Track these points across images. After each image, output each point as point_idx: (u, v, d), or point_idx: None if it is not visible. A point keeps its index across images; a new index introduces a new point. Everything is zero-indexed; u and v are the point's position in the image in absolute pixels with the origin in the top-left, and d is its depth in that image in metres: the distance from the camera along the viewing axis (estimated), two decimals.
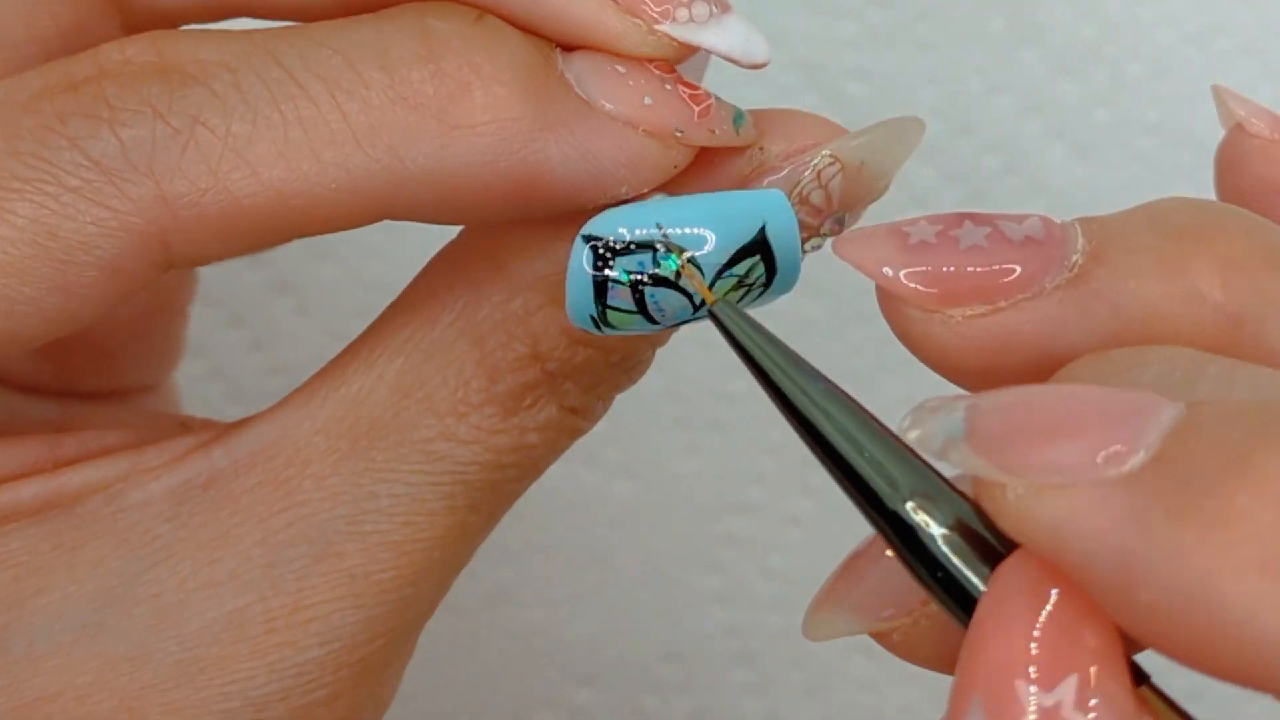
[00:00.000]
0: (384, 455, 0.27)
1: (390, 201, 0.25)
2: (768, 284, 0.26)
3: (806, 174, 0.27)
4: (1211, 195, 0.46)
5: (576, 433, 0.28)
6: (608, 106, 0.26)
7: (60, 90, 0.25)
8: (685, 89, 0.26)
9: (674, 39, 0.26)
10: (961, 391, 0.24)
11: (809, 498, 0.49)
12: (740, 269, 0.26)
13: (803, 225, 0.27)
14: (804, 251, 0.27)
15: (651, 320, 0.26)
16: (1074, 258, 0.24)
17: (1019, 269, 0.24)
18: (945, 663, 0.22)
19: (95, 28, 0.27)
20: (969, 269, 0.24)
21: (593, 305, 0.26)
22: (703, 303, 0.26)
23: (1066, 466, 0.21)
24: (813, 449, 0.23)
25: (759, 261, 0.26)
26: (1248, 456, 0.19)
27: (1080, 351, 0.24)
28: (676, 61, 0.27)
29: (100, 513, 0.27)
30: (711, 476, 0.49)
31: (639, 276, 0.26)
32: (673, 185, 0.27)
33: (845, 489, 0.23)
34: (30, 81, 0.26)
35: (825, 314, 0.48)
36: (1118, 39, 0.48)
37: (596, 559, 0.50)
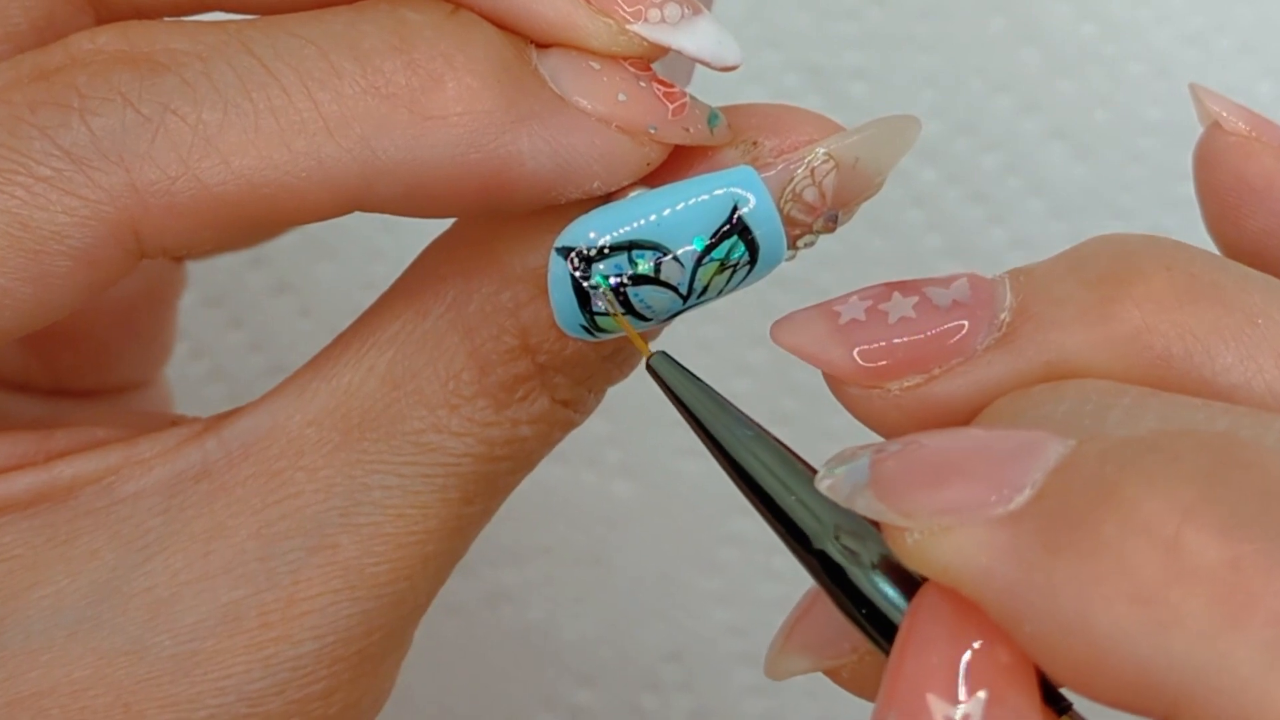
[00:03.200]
0: (376, 447, 0.27)
1: (362, 192, 0.25)
2: (752, 261, 0.26)
3: (800, 170, 0.27)
4: None
5: (569, 425, 0.28)
6: (581, 102, 0.26)
7: (31, 80, 0.25)
8: (660, 87, 0.26)
9: (645, 39, 0.26)
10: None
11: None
12: (720, 252, 0.26)
13: (796, 223, 0.27)
14: (796, 249, 0.27)
15: (642, 318, 0.26)
16: (1001, 315, 0.25)
17: (951, 335, 0.25)
18: None
19: (68, 22, 0.27)
20: (899, 341, 0.25)
21: (580, 314, 0.26)
22: (690, 291, 0.26)
23: (957, 508, 0.21)
24: (745, 493, 0.24)
25: (738, 241, 0.26)
26: (1118, 488, 0.20)
27: None
28: (649, 60, 0.27)
29: (93, 505, 0.27)
30: (712, 477, 0.49)
31: (619, 280, 0.26)
32: (658, 177, 0.27)
33: (775, 529, 0.24)
34: (1, 73, 0.26)
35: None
36: (1118, 39, 0.48)
37: (597, 559, 0.50)
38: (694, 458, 0.49)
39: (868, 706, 0.55)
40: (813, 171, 0.27)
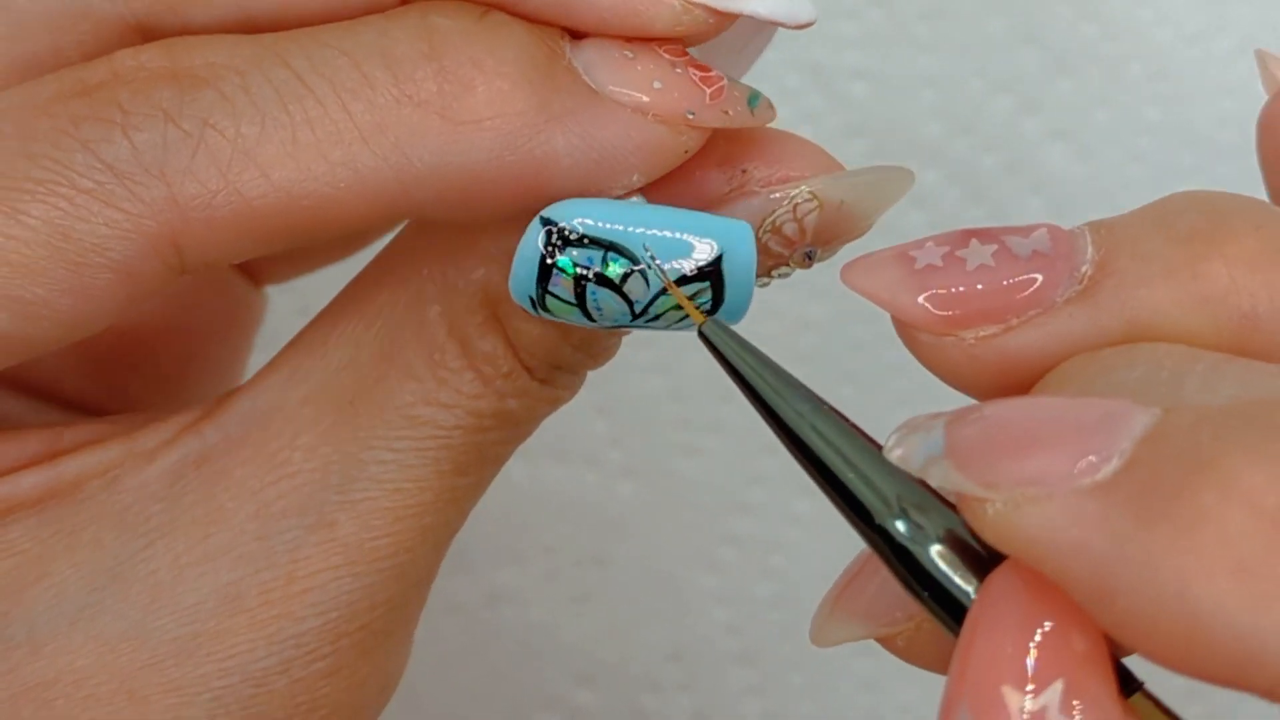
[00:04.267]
0: (369, 422, 0.27)
1: (400, 199, 0.25)
2: (710, 312, 0.26)
3: (784, 205, 0.26)
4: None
5: (556, 401, 0.28)
6: (616, 93, 0.26)
7: (74, 94, 0.26)
8: (696, 71, 0.26)
9: (714, 9, 0.26)
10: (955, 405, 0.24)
11: (809, 498, 0.49)
12: (687, 290, 0.26)
13: (771, 254, 0.27)
14: (769, 278, 0.27)
15: (588, 317, 0.26)
16: (1083, 268, 0.24)
17: (1029, 286, 0.24)
18: (948, 665, 0.22)
19: (117, 48, 0.27)
20: (978, 288, 0.24)
21: (534, 287, 0.26)
22: (643, 313, 0.26)
23: (1043, 478, 0.21)
24: (804, 466, 0.23)
25: (707, 288, 0.26)
26: (1216, 459, 0.20)
27: None
28: (708, 37, 0.26)
29: (98, 498, 0.27)
30: (712, 477, 0.49)
31: (584, 271, 0.25)
32: (650, 191, 0.26)
33: (837, 505, 0.23)
34: (46, 86, 0.26)
35: (825, 314, 0.48)
36: (1118, 39, 0.48)
37: (597, 559, 0.50)
38: (694, 457, 0.49)
39: (868, 706, 0.55)
40: (795, 207, 0.26)
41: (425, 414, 0.27)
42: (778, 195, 0.27)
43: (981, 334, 0.24)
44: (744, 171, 0.27)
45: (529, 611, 0.50)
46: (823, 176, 0.27)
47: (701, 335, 0.25)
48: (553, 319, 0.26)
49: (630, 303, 0.26)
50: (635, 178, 0.26)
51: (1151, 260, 0.24)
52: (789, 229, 0.27)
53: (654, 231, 0.25)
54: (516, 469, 0.47)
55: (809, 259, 0.27)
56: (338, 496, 0.27)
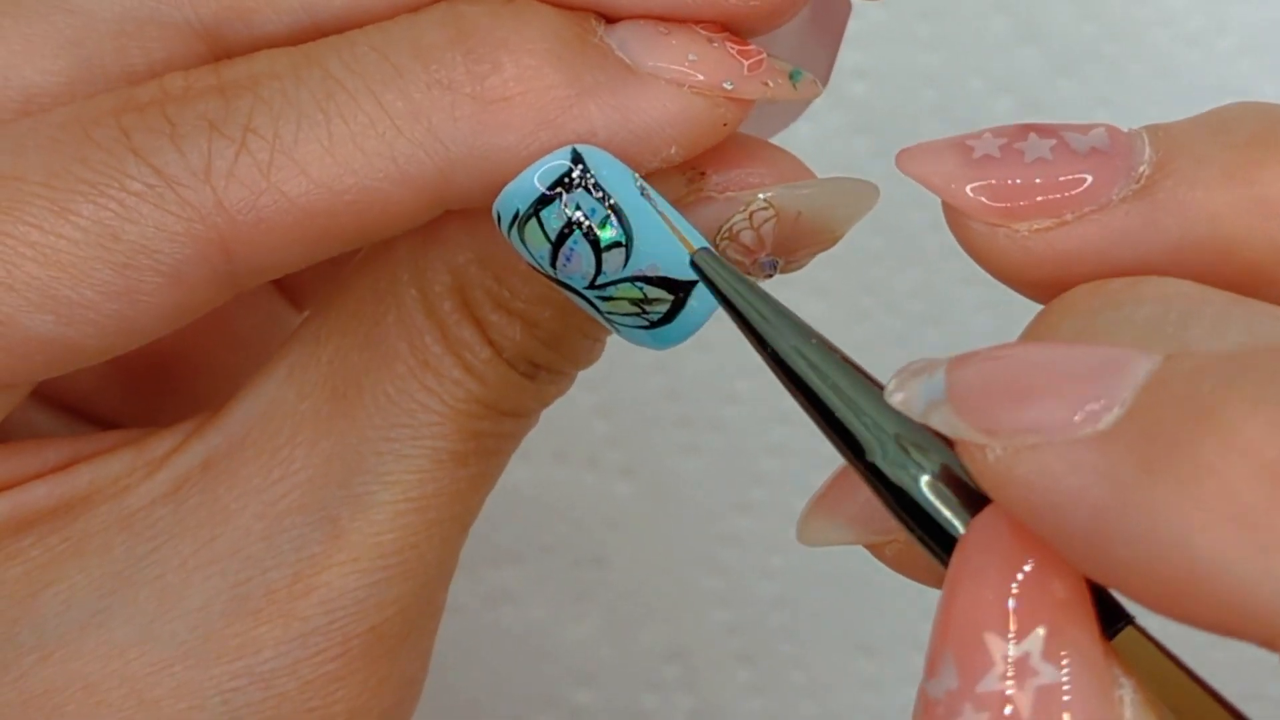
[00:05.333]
0: (365, 412, 0.27)
1: (442, 186, 0.25)
2: (655, 324, 0.26)
3: (739, 212, 0.26)
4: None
5: (541, 397, 0.28)
6: (650, 65, 0.26)
7: (126, 110, 0.26)
8: (734, 45, 0.26)
9: None
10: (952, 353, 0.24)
11: (809, 497, 0.49)
12: (652, 291, 0.25)
13: (732, 261, 0.26)
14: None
15: (552, 261, 0.25)
16: (1141, 168, 0.24)
17: (1086, 181, 0.24)
18: (938, 576, 0.22)
19: (184, 63, 0.27)
20: (1035, 182, 0.24)
21: (528, 205, 0.25)
22: (599, 286, 0.25)
23: (1043, 426, 0.21)
24: (796, 397, 0.23)
25: (668, 299, 0.25)
26: (1217, 409, 0.20)
27: (1150, 264, 0.24)
28: (754, 19, 0.26)
29: (107, 506, 0.27)
30: (712, 476, 0.49)
31: (580, 218, 0.25)
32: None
33: (828, 436, 0.23)
34: (99, 103, 0.26)
35: (825, 313, 0.48)
36: (1118, 39, 0.48)
37: (597, 559, 0.50)
38: (694, 457, 0.49)
39: (869, 706, 0.55)
40: (751, 215, 0.26)
41: (417, 401, 0.27)
42: (734, 199, 0.26)
43: (1035, 227, 0.24)
44: (701, 174, 0.27)
45: (529, 611, 0.50)
46: (780, 186, 0.26)
47: (693, 265, 0.25)
48: (518, 247, 0.26)
49: (596, 269, 0.25)
50: (673, 150, 0.26)
51: (1210, 163, 0.24)
52: (746, 237, 0.26)
53: (656, 217, 0.25)
54: (516, 469, 0.47)
55: (770, 269, 0.27)
56: (341, 491, 0.27)
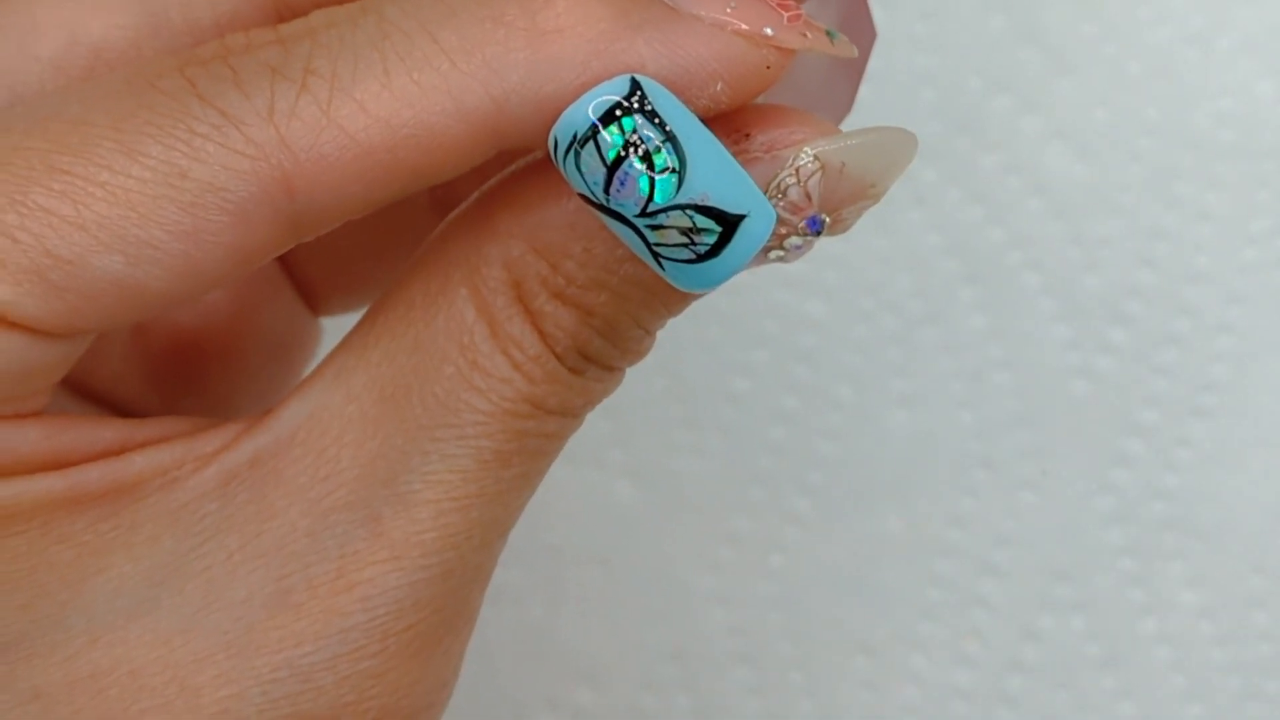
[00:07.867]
0: (412, 413, 0.27)
1: (497, 120, 0.26)
2: (702, 257, 0.26)
3: (786, 168, 0.27)
4: (1213, 194, 0.46)
5: (589, 394, 0.29)
6: (691, 10, 0.27)
7: (190, 64, 0.27)
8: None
9: None
10: None
11: (809, 498, 0.49)
12: (701, 220, 0.26)
13: (782, 220, 0.27)
14: (767, 256, 0.27)
15: (606, 187, 0.26)
16: None
17: None
18: None
19: (249, 21, 0.28)
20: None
21: (587, 127, 0.26)
22: (651, 214, 0.26)
23: None
24: None
25: (716, 230, 0.26)
26: None
27: None
28: None
29: (157, 496, 0.28)
30: (712, 476, 0.49)
31: (635, 140, 0.26)
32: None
33: None
34: (164, 60, 0.27)
35: (825, 313, 0.48)
36: (1118, 38, 0.48)
37: (597, 559, 0.50)
38: (695, 457, 0.49)
39: (869, 706, 0.55)
40: (798, 170, 0.27)
41: (463, 400, 0.27)
42: (779, 157, 0.27)
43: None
44: (747, 136, 0.27)
45: (529, 611, 0.50)
46: (823, 139, 0.27)
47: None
48: (571, 174, 0.26)
49: (648, 199, 0.26)
50: (719, 86, 0.26)
51: None
52: (794, 194, 0.27)
53: (714, 155, 0.26)
54: None
55: (815, 229, 0.27)
56: (385, 490, 0.27)
